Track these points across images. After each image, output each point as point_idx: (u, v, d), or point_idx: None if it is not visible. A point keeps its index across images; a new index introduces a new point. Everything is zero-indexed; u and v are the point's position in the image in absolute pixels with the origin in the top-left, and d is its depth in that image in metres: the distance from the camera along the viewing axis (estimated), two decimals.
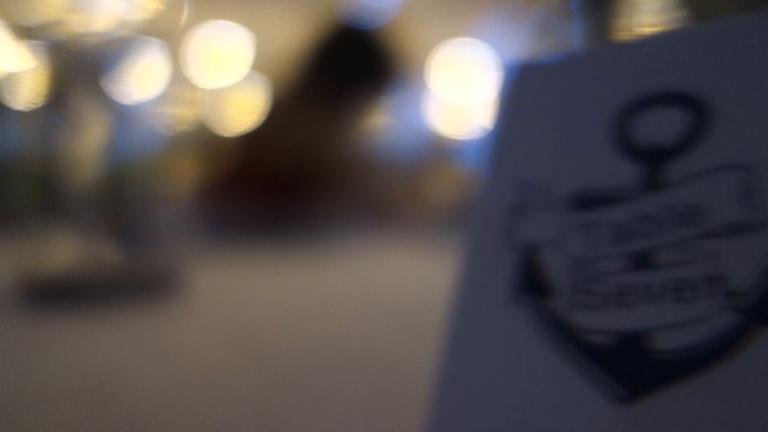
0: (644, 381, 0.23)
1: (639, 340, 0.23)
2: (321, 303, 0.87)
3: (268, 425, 0.39)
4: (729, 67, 0.24)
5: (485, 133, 0.29)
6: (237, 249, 1.37)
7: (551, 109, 0.28)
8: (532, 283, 0.26)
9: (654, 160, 0.25)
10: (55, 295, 0.83)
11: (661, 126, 0.25)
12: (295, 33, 1.83)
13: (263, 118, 1.77)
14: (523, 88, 0.28)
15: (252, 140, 1.77)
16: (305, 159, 1.63)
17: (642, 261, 0.24)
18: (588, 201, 0.26)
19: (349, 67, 1.71)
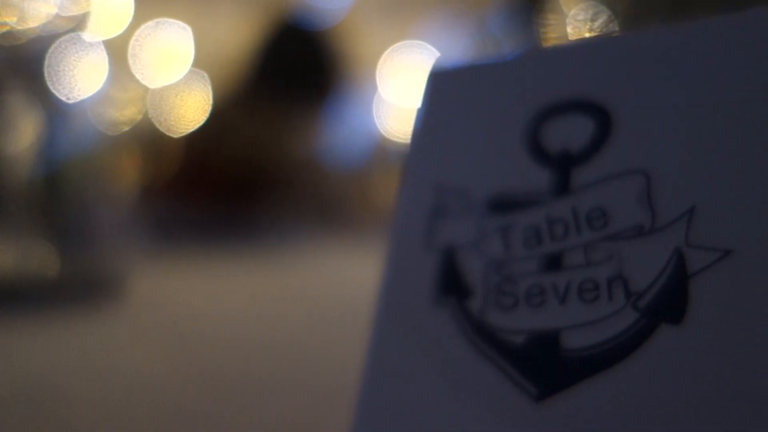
0: (555, 379, 0.24)
1: (550, 339, 0.24)
2: (264, 306, 0.87)
3: (201, 429, 0.39)
4: (631, 78, 0.25)
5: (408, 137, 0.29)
6: (180, 252, 1.35)
7: (469, 113, 0.28)
8: (451, 285, 0.27)
9: (563, 166, 0.26)
10: None
11: (571, 133, 0.26)
12: (240, 32, 1.82)
13: (208, 117, 1.75)
14: (442, 93, 0.29)
15: (197, 140, 1.75)
16: (251, 160, 1.62)
17: (552, 263, 0.25)
18: (504, 205, 0.27)
19: (295, 68, 1.71)
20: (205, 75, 1.83)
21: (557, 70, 0.27)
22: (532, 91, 0.27)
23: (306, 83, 1.73)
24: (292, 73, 1.72)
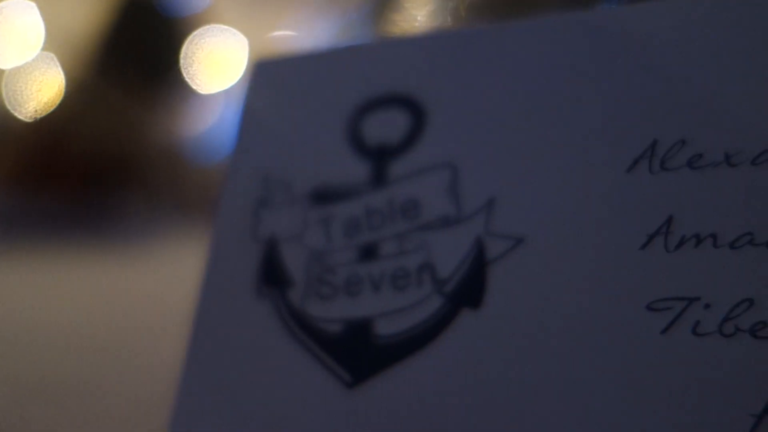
0: (367, 366, 0.25)
1: (363, 327, 0.25)
2: (107, 306, 0.83)
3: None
4: (447, 75, 0.26)
5: (234, 129, 0.29)
6: (24, 246, 1.25)
7: (293, 105, 0.29)
8: (273, 276, 0.27)
9: (380, 159, 0.27)
10: None
11: (388, 127, 0.27)
12: (95, 13, 1.71)
13: (60, 101, 1.63)
14: (266, 84, 0.29)
15: (47, 126, 1.63)
16: (106, 148, 1.53)
17: (368, 252, 0.26)
18: (324, 196, 0.27)
19: (155, 54, 1.63)
20: (56, 56, 1.71)
21: (378, 65, 0.28)
22: (354, 84, 0.28)
23: (167, 70, 1.66)
24: (151, 59, 1.64)
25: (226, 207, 0.29)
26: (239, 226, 0.28)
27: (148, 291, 0.94)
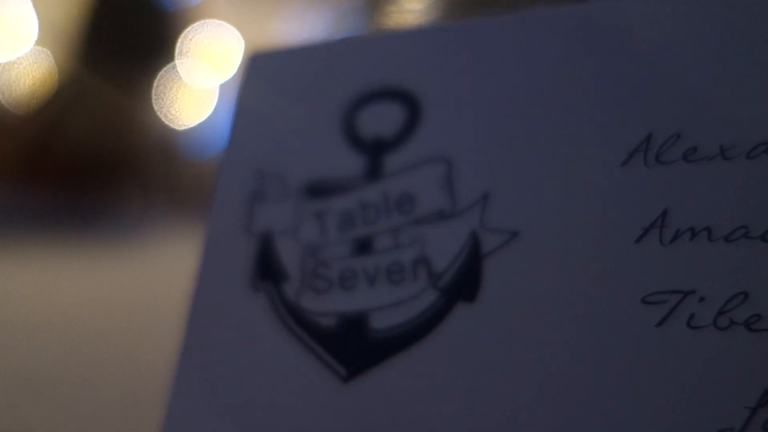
0: (362, 360, 0.25)
1: (358, 321, 0.25)
2: (108, 300, 0.82)
3: (15, 425, 0.37)
4: (442, 68, 0.26)
5: (228, 121, 0.29)
6: (20, 241, 1.25)
7: (287, 98, 0.28)
8: (268, 269, 0.27)
9: (376, 152, 0.26)
10: None
11: (384, 120, 0.27)
12: (85, 5, 1.70)
13: (53, 95, 1.62)
14: (261, 76, 0.29)
15: (39, 120, 1.62)
16: (99, 142, 1.52)
17: (363, 246, 0.26)
18: (319, 190, 0.27)
19: (148, 48, 1.62)
20: (46, 49, 1.70)
21: (373, 58, 0.28)
22: (349, 77, 0.28)
23: (161, 64, 1.65)
24: (146, 53, 1.63)
25: (220, 201, 0.29)
26: (233, 220, 0.28)
27: (142, 286, 0.94)
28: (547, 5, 0.27)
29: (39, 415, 0.39)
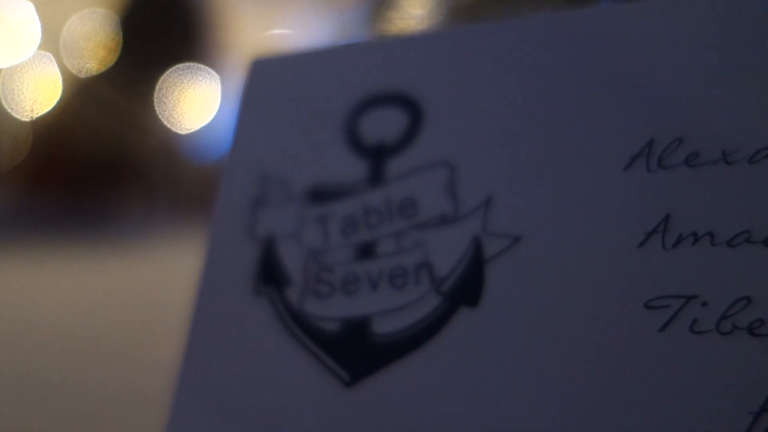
0: (365, 365, 0.25)
1: (361, 325, 0.25)
2: (112, 302, 0.82)
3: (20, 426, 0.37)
4: (443, 73, 0.26)
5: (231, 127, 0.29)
6: (24, 243, 1.25)
7: (290, 103, 0.29)
8: (271, 274, 0.27)
9: (378, 157, 0.26)
10: None
11: (386, 125, 0.27)
12: (93, 11, 1.71)
13: (61, 99, 1.63)
14: (263, 82, 0.29)
15: (44, 124, 1.63)
16: (104, 146, 1.53)
17: (365, 251, 0.26)
18: (322, 195, 0.27)
19: (155, 52, 1.63)
20: (51, 56, 1.71)
21: (376, 63, 0.28)
22: (351, 82, 0.28)
23: (165, 69, 1.65)
24: (150, 57, 1.64)
25: (223, 205, 0.29)
26: (236, 225, 0.28)
27: (145, 288, 0.94)
28: (549, 10, 0.28)
29: (42, 415, 0.39)
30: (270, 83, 0.29)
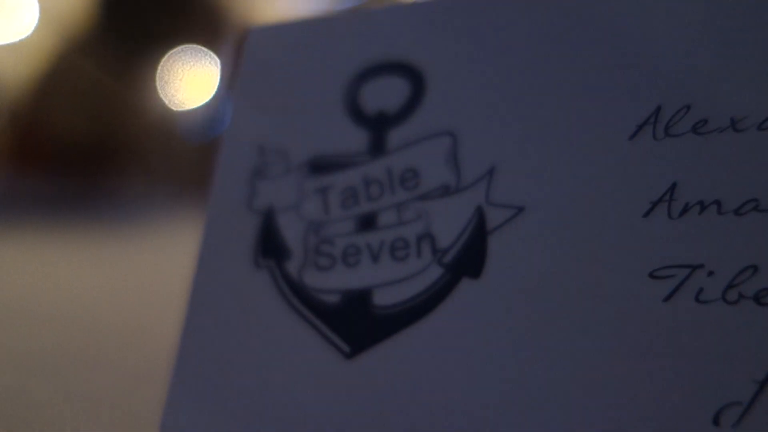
0: (365, 336, 0.24)
1: (362, 297, 0.25)
2: (112, 282, 0.82)
3: (17, 407, 0.37)
4: (445, 42, 0.26)
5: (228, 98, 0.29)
6: (24, 226, 1.25)
7: (289, 73, 0.28)
8: (270, 246, 0.27)
9: (379, 127, 0.26)
10: None
11: (387, 94, 0.26)
12: None
13: (51, 79, 1.61)
14: (262, 52, 0.28)
15: (38, 105, 1.61)
16: (101, 126, 1.52)
17: (366, 222, 0.25)
18: (322, 166, 0.27)
19: (147, 24, 1.60)
20: (48, 35, 1.69)
21: (377, 31, 0.27)
22: (351, 52, 0.27)
23: (160, 39, 1.63)
24: (146, 37, 1.62)
25: (222, 177, 0.28)
26: (235, 197, 0.28)
27: (144, 269, 0.94)
28: None
29: (42, 399, 0.39)
30: (268, 52, 0.29)
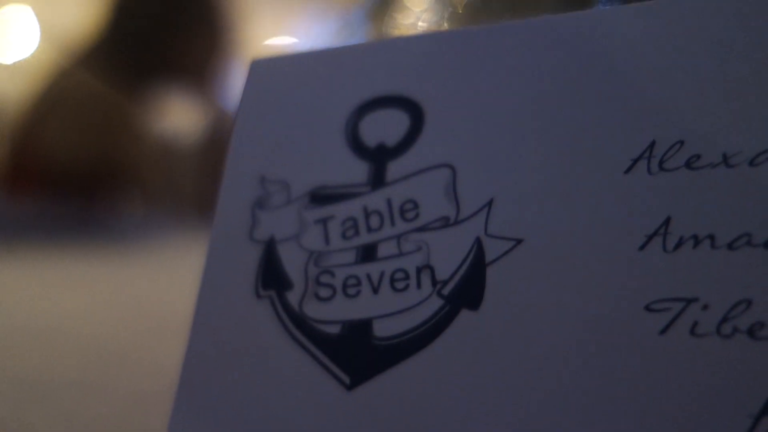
0: (366, 368, 0.25)
1: (362, 328, 0.25)
2: (112, 305, 0.82)
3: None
4: (444, 75, 0.26)
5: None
6: (24, 246, 1.25)
7: (289, 105, 0.29)
8: (271, 277, 0.27)
9: (379, 159, 0.26)
10: None
11: (387, 127, 0.27)
12: (87, 9, 1.70)
13: (51, 99, 1.62)
14: (263, 82, 0.29)
15: (38, 124, 1.62)
16: (103, 148, 1.52)
17: (367, 253, 0.26)
18: (322, 197, 0.27)
19: (148, 40, 1.61)
20: (48, 55, 1.70)
21: (377, 65, 0.28)
22: (352, 84, 0.28)
23: (163, 69, 1.65)
24: (147, 57, 1.63)
25: (224, 207, 0.29)
26: (237, 227, 0.28)
27: (146, 291, 0.94)
28: (549, 11, 0.28)
29: (43, 419, 0.39)
30: (270, 84, 0.29)
